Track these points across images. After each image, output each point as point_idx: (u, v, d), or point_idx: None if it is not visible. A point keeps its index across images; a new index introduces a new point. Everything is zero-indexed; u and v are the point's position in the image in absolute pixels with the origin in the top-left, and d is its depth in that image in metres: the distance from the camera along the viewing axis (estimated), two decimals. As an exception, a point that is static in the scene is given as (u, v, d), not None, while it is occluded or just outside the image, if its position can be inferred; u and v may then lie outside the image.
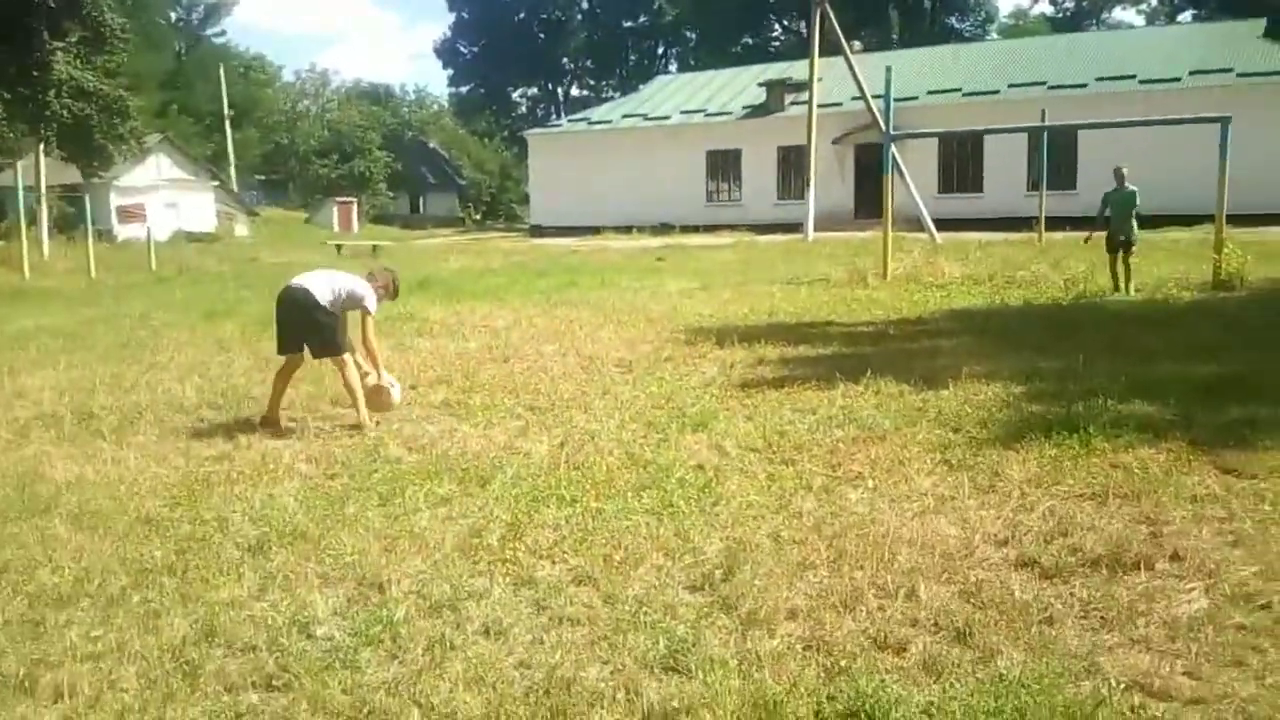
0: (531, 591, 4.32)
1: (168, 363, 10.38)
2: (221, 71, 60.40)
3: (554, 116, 67.34)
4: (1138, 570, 4.26)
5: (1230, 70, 31.06)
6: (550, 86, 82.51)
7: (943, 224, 25.37)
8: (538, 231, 41.82)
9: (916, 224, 24.69)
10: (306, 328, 7.36)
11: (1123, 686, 3.32)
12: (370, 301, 7.37)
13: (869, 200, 31.22)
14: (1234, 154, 14.07)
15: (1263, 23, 34.95)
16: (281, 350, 7.59)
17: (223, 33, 75.04)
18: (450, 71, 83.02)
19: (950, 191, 33.91)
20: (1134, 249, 14.00)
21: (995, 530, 4.83)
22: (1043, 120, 22.92)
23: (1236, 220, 16.96)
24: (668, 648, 3.72)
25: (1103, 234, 14.31)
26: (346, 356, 7.40)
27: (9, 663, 3.73)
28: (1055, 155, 25.95)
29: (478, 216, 62.73)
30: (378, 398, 7.52)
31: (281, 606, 4.16)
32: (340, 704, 3.40)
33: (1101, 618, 3.87)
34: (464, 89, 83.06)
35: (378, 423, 7.34)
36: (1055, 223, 23.47)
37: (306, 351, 7.57)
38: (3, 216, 35.15)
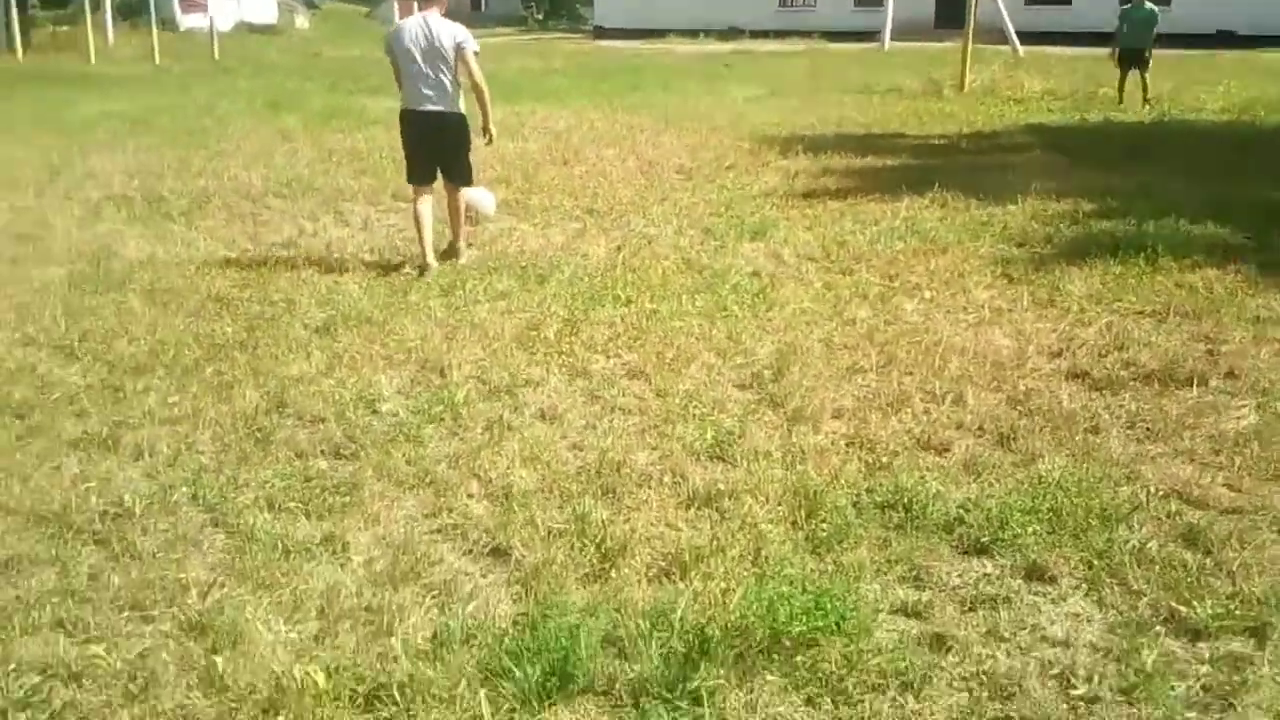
0: (585, 383, 4.45)
1: (233, 151, 10.47)
2: None
3: (623, -92, 63.80)
4: (1190, 386, 4.25)
5: None
6: (620, -125, 77.98)
7: (1027, 37, 24.07)
8: (601, 33, 40.45)
9: (999, 36, 23.45)
10: (449, 151, 6.33)
11: (1161, 494, 3.38)
12: (472, 40, 6.19)
13: (951, 9, 29.59)
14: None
15: None
16: (420, 180, 6.40)
17: None
18: None
19: (1037, 3, 31.97)
20: (1149, 65, 13.97)
21: (1049, 343, 4.82)
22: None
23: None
24: (714, 439, 3.84)
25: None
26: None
27: (93, 423, 3.97)
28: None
29: (540, 16, 60.61)
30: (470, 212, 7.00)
31: (348, 384, 4.34)
32: (404, 473, 3.59)
33: (1148, 429, 3.90)
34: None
35: (470, 244, 6.56)
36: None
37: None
38: (66, 2, 34.80)
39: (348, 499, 3.41)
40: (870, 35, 29.24)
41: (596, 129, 12.13)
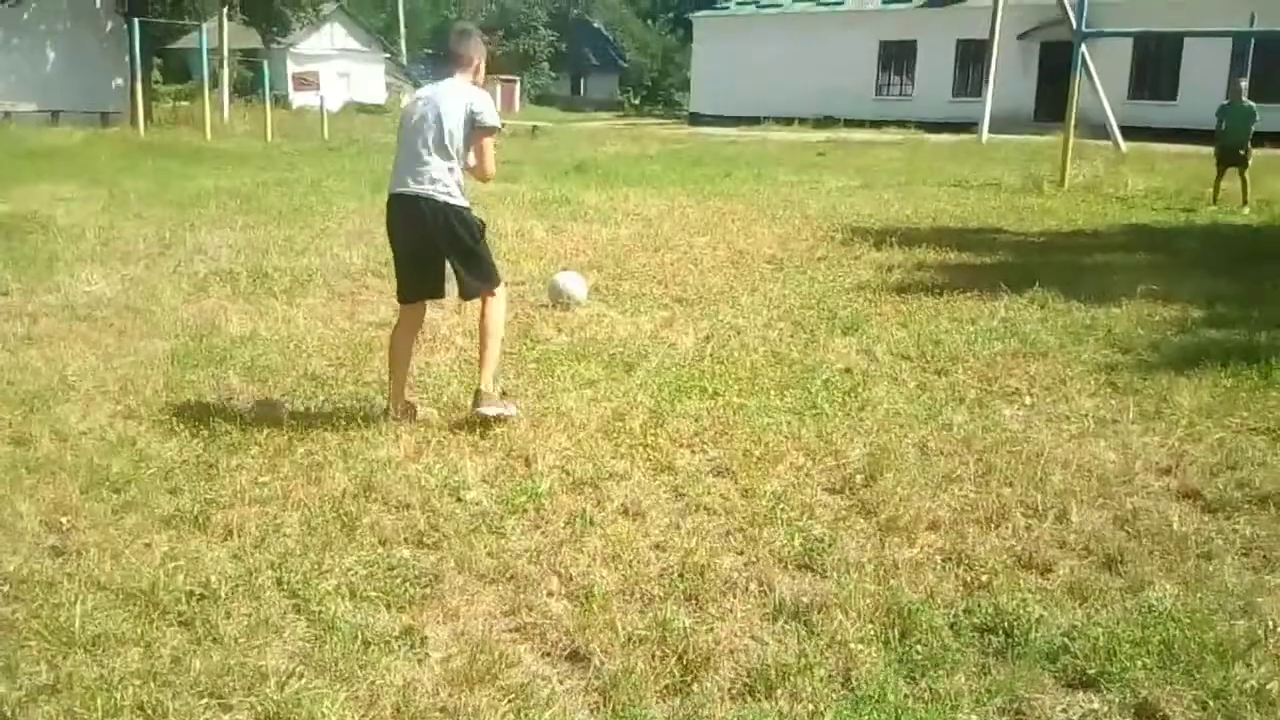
0: (670, 478, 4.38)
1: (336, 229, 10.79)
2: (396, -58, 60.83)
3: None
4: (1311, 513, 4.00)
5: None
6: (720, -32, 79.93)
7: (1130, 132, 23.74)
8: (696, 119, 41.19)
9: (1101, 130, 23.18)
10: (453, 252, 4.83)
11: (1282, 630, 3.16)
12: (492, 114, 4.83)
13: (1051, 102, 29.41)
14: None
15: None
16: (411, 296, 5.05)
17: (398, -98, 75.17)
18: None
19: (1141, 97, 31.63)
20: (1248, 163, 13.64)
21: (1158, 458, 4.61)
22: (1251, 24, 20.97)
23: None
24: (803, 546, 3.72)
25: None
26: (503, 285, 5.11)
27: (186, 500, 4.03)
28: (1261, 63, 23.76)
29: (636, 101, 62.07)
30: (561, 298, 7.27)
31: (434, 470, 4.34)
32: (485, 566, 3.55)
33: (1265, 557, 3.67)
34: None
35: (503, 393, 5.12)
36: (1257, 137, 21.63)
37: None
38: (187, 78, 36.85)
39: (428, 591, 3.38)
40: (968, 126, 29.23)
41: (688, 216, 12.24)
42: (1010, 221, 12.09)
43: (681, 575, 3.50)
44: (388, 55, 51.60)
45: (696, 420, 5.06)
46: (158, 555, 3.59)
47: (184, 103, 31.85)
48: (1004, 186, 15.51)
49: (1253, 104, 13.99)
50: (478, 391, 4.86)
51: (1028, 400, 5.43)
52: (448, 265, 4.95)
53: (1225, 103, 14.31)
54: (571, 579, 3.47)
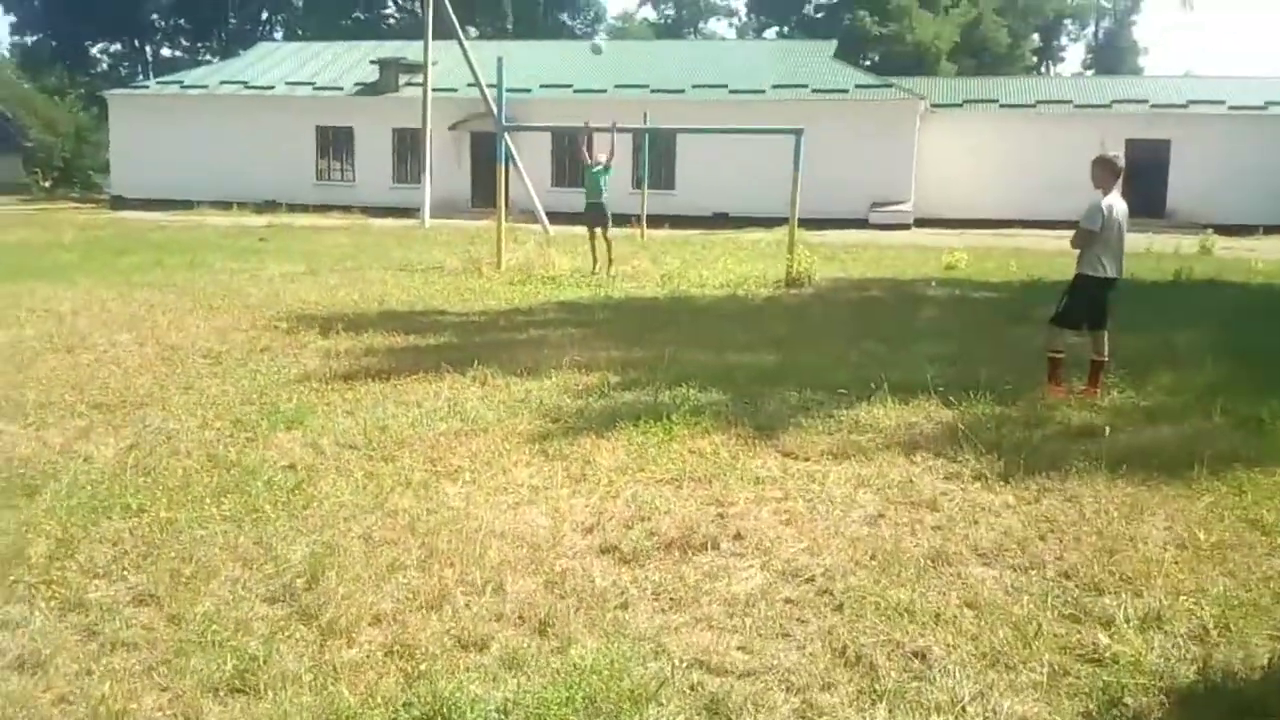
0: (81, 616, 3.86)
1: None
2: None
3: (141, 77, 61.22)
4: (705, 550, 4.58)
5: (805, 86, 34.55)
6: (137, 44, 74.70)
7: (557, 217, 26.07)
8: (120, 203, 37.78)
9: (532, 215, 25.20)
10: None
11: (685, 665, 3.54)
12: None
13: (486, 188, 31.40)
14: (807, 163, 15.72)
15: (834, 44, 39.83)
16: None
17: None
18: (12, 18, 72.66)
19: (563, 185, 34.90)
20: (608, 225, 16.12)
21: (583, 519, 5.00)
22: (645, 122, 24.25)
23: (808, 224, 19.23)
24: (236, 667, 3.46)
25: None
26: None
27: None
28: (657, 155, 27.59)
29: (47, 184, 55.56)
30: None
31: None
32: None
33: (671, 599, 4.11)
34: (30, 39, 73.08)
35: None
36: (656, 220, 25.08)
37: None
38: None
39: None
40: (411, 211, 30.15)
41: (110, 310, 11.14)
42: (454, 303, 12.59)
43: (92, 729, 3.08)
44: None
45: (116, 544, 4.55)
46: None
47: None
48: (447, 269, 16.13)
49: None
50: None
51: (469, 476, 5.62)
52: None
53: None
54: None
